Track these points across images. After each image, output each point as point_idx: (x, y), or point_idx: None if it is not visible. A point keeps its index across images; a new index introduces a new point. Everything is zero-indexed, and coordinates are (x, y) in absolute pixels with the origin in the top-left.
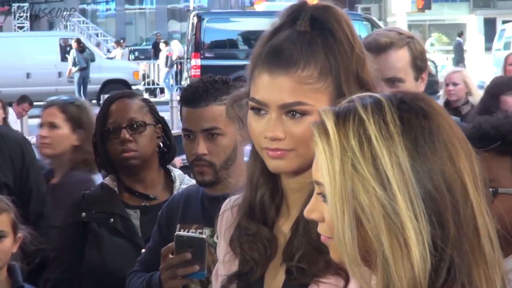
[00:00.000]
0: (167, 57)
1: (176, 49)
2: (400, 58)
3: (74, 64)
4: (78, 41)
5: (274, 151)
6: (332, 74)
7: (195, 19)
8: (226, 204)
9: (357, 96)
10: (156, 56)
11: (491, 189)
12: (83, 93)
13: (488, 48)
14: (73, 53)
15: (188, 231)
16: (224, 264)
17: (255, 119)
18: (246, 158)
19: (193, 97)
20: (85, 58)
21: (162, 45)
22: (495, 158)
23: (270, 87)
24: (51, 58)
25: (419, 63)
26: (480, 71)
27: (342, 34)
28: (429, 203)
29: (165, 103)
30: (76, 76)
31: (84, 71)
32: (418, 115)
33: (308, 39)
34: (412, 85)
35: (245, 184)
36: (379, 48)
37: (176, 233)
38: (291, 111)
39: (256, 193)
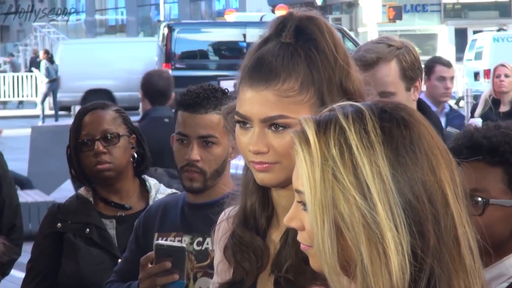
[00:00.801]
0: None
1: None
2: (389, 72)
3: (48, 76)
4: (47, 51)
5: (259, 165)
6: (314, 86)
7: (166, 30)
8: (222, 216)
9: (338, 105)
10: None
11: (482, 200)
12: (53, 105)
13: (459, 58)
14: (44, 64)
15: (166, 240)
16: (219, 272)
17: (241, 132)
18: (232, 170)
19: (193, 102)
20: (54, 69)
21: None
22: (486, 168)
23: (252, 100)
24: None
25: (409, 74)
26: None
27: (325, 44)
28: (409, 213)
29: (136, 114)
30: (46, 88)
31: (54, 82)
32: (399, 124)
33: (290, 51)
34: (404, 96)
35: (241, 193)
36: (366, 65)
37: (156, 241)
38: (274, 124)
39: (247, 202)
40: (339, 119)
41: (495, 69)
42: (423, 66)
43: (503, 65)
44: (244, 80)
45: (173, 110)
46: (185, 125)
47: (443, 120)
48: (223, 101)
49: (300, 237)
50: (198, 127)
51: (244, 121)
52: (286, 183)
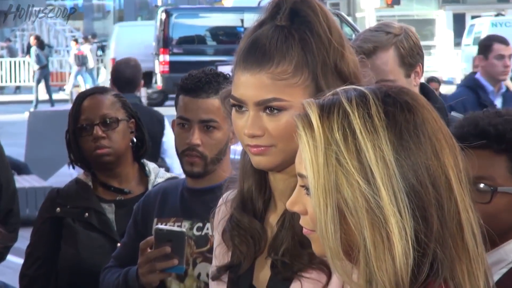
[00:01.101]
0: None
1: None
2: (387, 60)
3: (38, 62)
4: (37, 37)
5: (255, 148)
6: (308, 69)
7: (163, 15)
8: (223, 198)
9: (341, 89)
10: None
11: (490, 188)
12: (47, 91)
13: (457, 44)
14: (35, 50)
15: (166, 225)
16: (217, 255)
17: (237, 116)
18: (231, 156)
19: (195, 87)
20: (45, 55)
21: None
22: (491, 156)
23: (246, 84)
24: None
25: (408, 60)
26: (449, 67)
27: (320, 27)
28: (413, 198)
29: None
30: (37, 74)
31: (45, 68)
32: (403, 109)
33: (285, 33)
34: (404, 82)
35: (238, 177)
36: (364, 54)
37: (156, 226)
38: (269, 107)
39: (244, 185)
40: (342, 103)
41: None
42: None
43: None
44: (238, 63)
45: (140, 96)
46: (187, 109)
47: (499, 101)
48: (224, 86)
49: (303, 221)
50: (200, 111)
51: (240, 105)
52: (282, 167)
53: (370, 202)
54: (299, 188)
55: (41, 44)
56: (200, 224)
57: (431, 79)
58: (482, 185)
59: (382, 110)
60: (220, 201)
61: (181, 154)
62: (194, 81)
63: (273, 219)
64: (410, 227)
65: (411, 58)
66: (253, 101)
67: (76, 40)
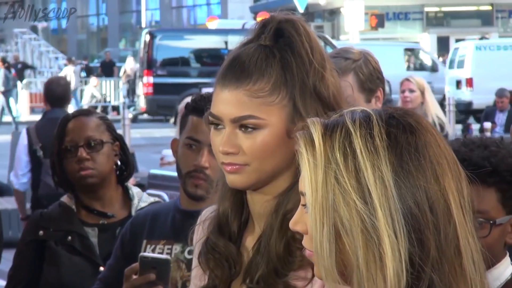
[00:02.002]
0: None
1: (129, 67)
2: (346, 87)
3: (6, 85)
4: (3, 60)
5: (230, 166)
6: (286, 88)
7: (148, 37)
8: (200, 218)
9: (348, 110)
10: (107, 74)
11: (489, 222)
12: (9, 113)
13: None
14: (2, 72)
15: (155, 247)
16: (193, 278)
17: (214, 133)
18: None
19: (202, 108)
20: (12, 79)
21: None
22: (482, 190)
23: (224, 100)
24: None
25: (368, 85)
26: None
27: (301, 47)
28: (409, 220)
29: (117, 120)
30: (2, 99)
31: (9, 92)
32: (405, 130)
33: (266, 52)
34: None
35: (217, 199)
36: None
37: (141, 254)
38: (244, 125)
39: (220, 208)
40: (346, 123)
41: (401, 83)
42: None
43: (408, 80)
44: (218, 80)
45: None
46: (197, 131)
47: None
48: None
49: (305, 241)
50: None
51: (217, 122)
52: (257, 186)
53: (365, 222)
54: (301, 207)
55: (7, 67)
56: (192, 247)
57: None
58: (480, 219)
59: (384, 131)
60: (199, 220)
61: (186, 175)
62: (207, 103)
63: (250, 242)
64: (404, 249)
65: (371, 83)
66: (229, 118)
67: (3, 60)
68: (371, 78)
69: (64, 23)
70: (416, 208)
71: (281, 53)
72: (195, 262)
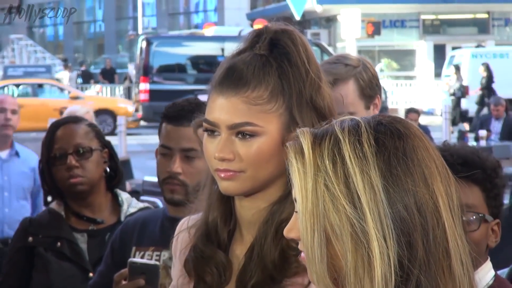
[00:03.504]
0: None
1: (132, 73)
2: (347, 92)
3: None
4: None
5: (224, 172)
6: (284, 97)
7: (144, 43)
8: (181, 225)
9: (338, 119)
10: (108, 81)
11: (479, 215)
12: None
13: (437, 74)
14: None
15: (144, 254)
16: (179, 286)
17: (208, 140)
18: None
19: (178, 115)
20: None
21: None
22: (470, 186)
23: (221, 107)
24: None
25: (368, 92)
26: (429, 98)
27: (298, 58)
28: (398, 224)
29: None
30: None
31: None
32: (393, 136)
33: (263, 61)
34: (364, 114)
35: (204, 207)
36: None
37: (130, 259)
38: (241, 132)
39: (209, 216)
40: (335, 131)
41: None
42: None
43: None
44: (214, 87)
45: None
46: (169, 138)
47: None
48: None
49: (300, 246)
50: (181, 140)
51: (212, 129)
52: (250, 193)
53: (355, 226)
54: (295, 214)
55: None
56: None
57: (410, 110)
58: (470, 214)
59: (372, 137)
60: (178, 228)
61: (162, 182)
62: (178, 109)
63: (239, 250)
64: (393, 252)
65: (371, 89)
66: (226, 124)
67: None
68: (370, 85)
69: (61, 29)
70: (405, 212)
71: (277, 62)
72: (179, 270)
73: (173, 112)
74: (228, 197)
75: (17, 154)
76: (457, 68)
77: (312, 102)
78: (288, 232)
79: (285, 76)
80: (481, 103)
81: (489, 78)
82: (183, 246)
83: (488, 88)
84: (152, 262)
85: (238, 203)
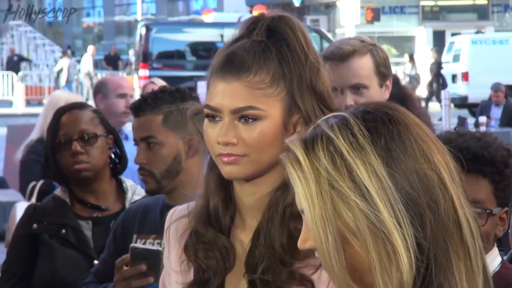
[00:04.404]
0: None
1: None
2: (364, 65)
3: None
4: None
5: (227, 157)
6: (285, 81)
7: (143, 30)
8: (171, 215)
9: (321, 120)
10: (112, 67)
11: (486, 211)
12: None
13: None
14: None
15: (145, 242)
16: (180, 273)
17: (210, 126)
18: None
19: (138, 107)
20: None
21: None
22: (478, 180)
23: (223, 92)
24: None
25: (383, 70)
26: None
27: (296, 43)
28: (410, 206)
29: None
30: None
31: None
32: (384, 120)
33: (262, 47)
34: (377, 91)
35: (202, 194)
36: (342, 56)
37: (132, 245)
38: (244, 116)
39: (210, 202)
40: (325, 131)
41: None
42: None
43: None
44: (215, 73)
45: None
46: (134, 130)
47: None
48: (165, 101)
49: (317, 254)
50: (139, 130)
51: (214, 115)
52: (253, 177)
53: (370, 218)
54: (305, 225)
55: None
56: None
57: None
58: (477, 209)
59: (364, 127)
60: (168, 218)
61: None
62: (139, 102)
63: (242, 235)
64: (411, 236)
65: (385, 68)
66: (229, 109)
67: None
68: (385, 64)
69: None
70: (414, 192)
71: (276, 47)
72: (179, 256)
73: (136, 104)
74: (227, 183)
75: (126, 137)
76: (411, 56)
77: (312, 86)
78: (303, 243)
79: (285, 61)
80: (430, 91)
81: (438, 65)
82: (180, 234)
83: (437, 75)
84: (154, 247)
85: (239, 188)
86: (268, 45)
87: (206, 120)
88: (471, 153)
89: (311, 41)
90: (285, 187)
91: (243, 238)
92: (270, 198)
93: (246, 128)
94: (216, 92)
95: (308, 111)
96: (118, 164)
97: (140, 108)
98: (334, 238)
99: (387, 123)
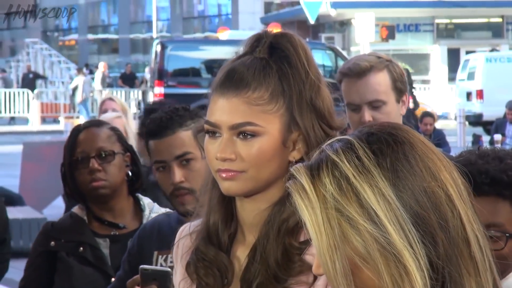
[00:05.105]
0: None
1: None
2: (381, 80)
3: None
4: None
5: (226, 172)
6: (284, 98)
7: (159, 47)
8: (181, 232)
9: (326, 144)
10: (129, 85)
11: (505, 234)
12: None
13: (451, 79)
14: None
15: (166, 257)
16: None
17: (210, 142)
18: None
19: (159, 128)
20: None
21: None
22: (497, 202)
23: (222, 108)
24: None
25: (399, 85)
26: (443, 102)
27: (298, 60)
28: (419, 225)
29: None
30: None
31: None
32: (388, 142)
33: (263, 64)
34: (394, 107)
35: (205, 211)
36: (359, 72)
37: (141, 266)
38: (242, 132)
39: (210, 219)
40: (329, 156)
41: (102, 103)
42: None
43: (111, 99)
44: (215, 90)
45: None
46: (159, 152)
47: None
48: (187, 117)
49: (328, 283)
50: (172, 149)
51: (214, 131)
52: (251, 193)
53: (380, 241)
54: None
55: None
56: None
57: (426, 114)
58: (496, 233)
59: (369, 149)
60: (179, 234)
61: (170, 197)
62: (157, 123)
63: (240, 252)
64: (423, 256)
65: (402, 84)
66: (228, 125)
67: None
68: (401, 79)
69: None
70: (422, 211)
71: (277, 64)
72: (181, 274)
73: (154, 127)
74: (229, 199)
75: None
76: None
77: (312, 103)
78: (317, 269)
79: (285, 77)
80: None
81: (410, 84)
82: (185, 251)
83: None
84: (163, 268)
85: (240, 204)
86: (269, 62)
87: (206, 136)
88: (489, 177)
89: (313, 58)
90: (282, 201)
91: (241, 254)
92: (268, 213)
93: (245, 144)
94: (215, 108)
95: (307, 128)
96: (136, 182)
97: (167, 127)
98: (343, 265)
99: (392, 143)
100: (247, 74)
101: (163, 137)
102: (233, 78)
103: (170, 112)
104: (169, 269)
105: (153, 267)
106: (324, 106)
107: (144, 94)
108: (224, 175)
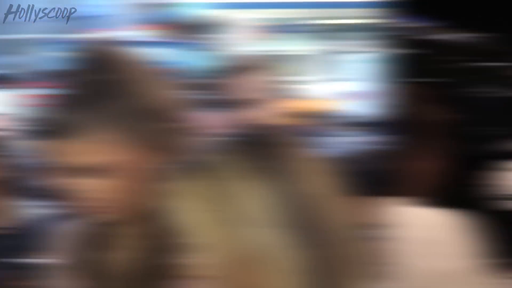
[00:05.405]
0: None
1: None
2: (257, 80)
3: None
4: None
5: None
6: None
7: None
8: None
9: (197, 147)
10: None
11: None
12: None
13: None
14: None
15: None
16: None
17: None
18: None
19: None
20: None
21: None
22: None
23: None
24: None
25: (275, 86)
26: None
27: (113, 77)
28: (296, 225)
29: None
30: None
31: None
32: (260, 142)
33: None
34: (271, 108)
35: None
36: (236, 71)
37: None
38: None
39: None
40: (201, 160)
41: None
42: None
43: None
44: None
45: None
46: None
47: None
48: None
49: None
50: None
51: None
52: None
53: (258, 245)
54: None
55: None
56: None
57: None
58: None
59: (240, 151)
60: None
61: None
62: None
63: None
64: (303, 256)
65: (278, 85)
66: None
67: None
68: (278, 81)
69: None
70: (299, 211)
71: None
72: None
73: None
74: None
75: None
76: None
77: (140, 111)
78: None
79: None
80: None
81: (292, 86)
82: None
83: None
84: None
85: None
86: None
87: None
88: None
89: (135, 65)
90: None
91: None
92: None
93: None
94: None
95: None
96: None
97: None
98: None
99: (263, 145)
100: None
101: None
102: None
103: None
104: None
105: None
106: (160, 108)
107: None
108: None
